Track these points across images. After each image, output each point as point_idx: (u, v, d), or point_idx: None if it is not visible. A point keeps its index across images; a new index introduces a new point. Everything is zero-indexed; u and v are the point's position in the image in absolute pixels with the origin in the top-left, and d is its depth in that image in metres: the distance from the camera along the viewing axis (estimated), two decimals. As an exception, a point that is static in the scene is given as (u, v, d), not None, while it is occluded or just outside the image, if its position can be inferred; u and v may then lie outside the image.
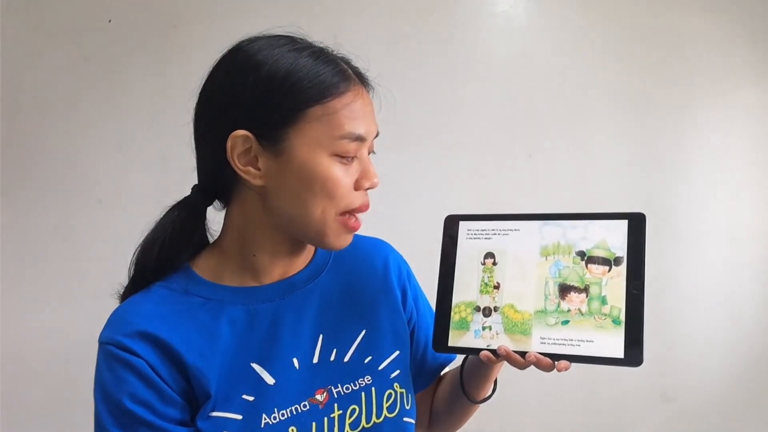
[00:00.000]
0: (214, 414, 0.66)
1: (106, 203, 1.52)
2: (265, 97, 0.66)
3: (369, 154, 0.73)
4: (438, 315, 0.73)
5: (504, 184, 1.69)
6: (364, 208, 0.71)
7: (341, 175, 0.67)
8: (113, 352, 0.65)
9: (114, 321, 0.68)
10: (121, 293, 0.74)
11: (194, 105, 0.71)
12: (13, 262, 1.48)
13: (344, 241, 0.71)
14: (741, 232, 1.77)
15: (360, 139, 0.68)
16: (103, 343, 0.67)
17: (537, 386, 1.64)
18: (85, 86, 1.51)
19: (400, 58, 1.61)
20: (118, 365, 0.65)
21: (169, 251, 0.72)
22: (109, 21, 1.52)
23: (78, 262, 1.50)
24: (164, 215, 0.74)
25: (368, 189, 0.71)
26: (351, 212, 0.70)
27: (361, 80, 0.71)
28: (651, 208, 1.72)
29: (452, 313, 0.72)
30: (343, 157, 0.67)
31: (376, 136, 0.73)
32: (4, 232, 1.48)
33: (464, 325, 0.71)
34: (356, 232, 0.73)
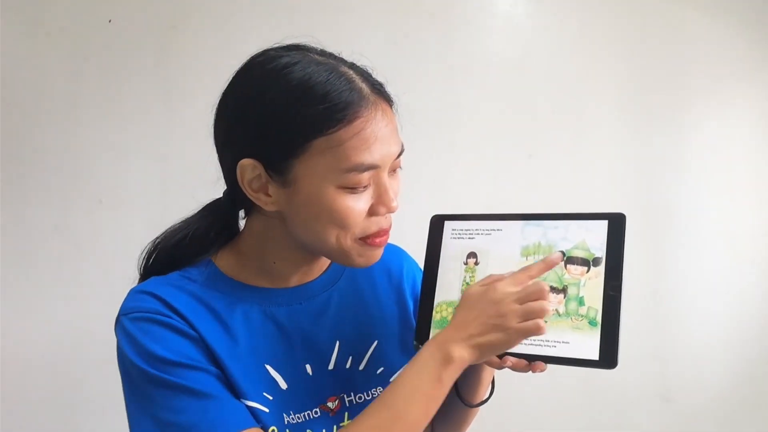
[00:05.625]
0: (243, 401, 0.65)
1: (106, 203, 1.52)
2: (268, 128, 0.63)
3: (395, 170, 0.69)
4: (420, 314, 0.73)
5: (504, 184, 1.69)
6: (383, 232, 0.68)
7: (351, 205, 0.64)
8: (143, 315, 0.65)
9: (136, 294, 0.68)
10: (137, 282, 0.74)
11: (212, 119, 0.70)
12: (13, 262, 1.48)
13: (371, 258, 0.70)
14: (741, 231, 1.77)
15: (372, 168, 0.64)
16: (127, 313, 0.66)
17: (536, 387, 1.64)
18: (85, 86, 1.51)
19: (400, 58, 1.61)
20: (150, 325, 0.64)
21: (187, 249, 0.72)
22: (109, 21, 1.52)
23: (78, 262, 1.50)
24: (195, 213, 0.74)
25: (386, 214, 0.68)
26: (371, 237, 0.68)
27: (380, 95, 0.67)
28: (651, 207, 1.73)
29: (434, 312, 0.72)
30: (353, 188, 0.64)
31: (401, 153, 0.69)
32: (4, 232, 1.48)
33: (445, 324, 0.71)
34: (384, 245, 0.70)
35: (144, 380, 0.63)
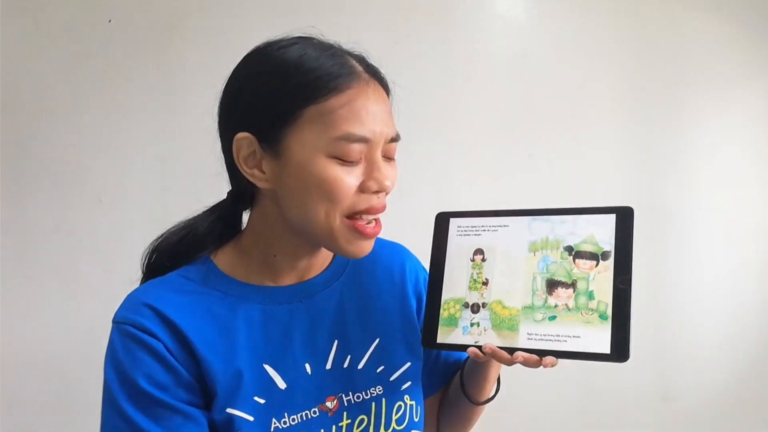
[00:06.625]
0: (229, 411, 0.65)
1: (106, 203, 1.51)
2: (261, 98, 0.65)
3: (391, 158, 0.69)
4: (427, 311, 0.73)
5: (504, 184, 1.69)
6: (373, 210, 0.67)
7: (341, 175, 0.64)
8: (130, 331, 0.65)
9: (132, 301, 0.68)
10: (141, 280, 0.75)
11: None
12: (13, 262, 1.48)
13: (359, 248, 0.68)
14: (741, 231, 1.77)
15: (362, 140, 0.64)
16: (119, 322, 0.66)
17: (536, 386, 1.64)
18: (85, 86, 1.51)
19: (400, 58, 1.61)
20: (134, 345, 0.64)
21: (190, 247, 0.72)
22: (109, 21, 1.52)
23: (78, 262, 1.50)
24: (199, 214, 0.75)
25: (377, 192, 0.67)
26: (359, 214, 0.67)
27: (374, 77, 0.68)
28: (651, 207, 1.73)
29: (441, 310, 0.72)
30: (344, 160, 0.64)
31: (395, 140, 0.69)
32: (4, 232, 1.48)
33: (453, 321, 0.71)
34: (375, 237, 0.70)
35: (111, 399, 0.64)
